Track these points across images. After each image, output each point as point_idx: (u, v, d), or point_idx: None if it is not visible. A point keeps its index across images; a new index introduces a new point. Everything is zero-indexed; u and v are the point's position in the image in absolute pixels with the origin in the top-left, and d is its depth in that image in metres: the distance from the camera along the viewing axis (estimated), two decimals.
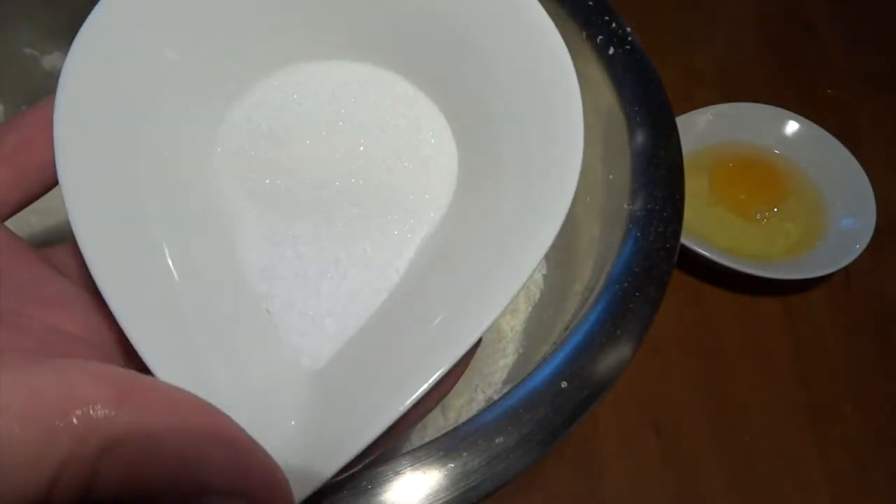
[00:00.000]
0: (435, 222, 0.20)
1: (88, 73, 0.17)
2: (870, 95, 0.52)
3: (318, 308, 0.18)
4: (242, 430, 0.13)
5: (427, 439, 0.20)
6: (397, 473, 0.19)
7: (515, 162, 0.18)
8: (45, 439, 0.11)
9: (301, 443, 0.15)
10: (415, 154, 0.21)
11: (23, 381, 0.11)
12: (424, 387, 0.15)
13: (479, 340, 0.16)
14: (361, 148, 0.21)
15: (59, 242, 0.18)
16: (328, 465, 0.14)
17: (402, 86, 0.21)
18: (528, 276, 0.16)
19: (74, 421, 0.11)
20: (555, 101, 0.18)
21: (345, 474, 0.15)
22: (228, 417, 0.13)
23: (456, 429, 0.20)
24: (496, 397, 0.21)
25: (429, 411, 0.16)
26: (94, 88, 0.17)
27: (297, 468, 0.14)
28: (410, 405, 0.15)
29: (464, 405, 0.31)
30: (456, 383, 0.16)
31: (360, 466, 0.16)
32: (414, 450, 0.19)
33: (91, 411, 0.11)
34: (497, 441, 0.19)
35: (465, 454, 0.19)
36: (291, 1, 0.21)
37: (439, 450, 0.19)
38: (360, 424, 0.15)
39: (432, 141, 0.21)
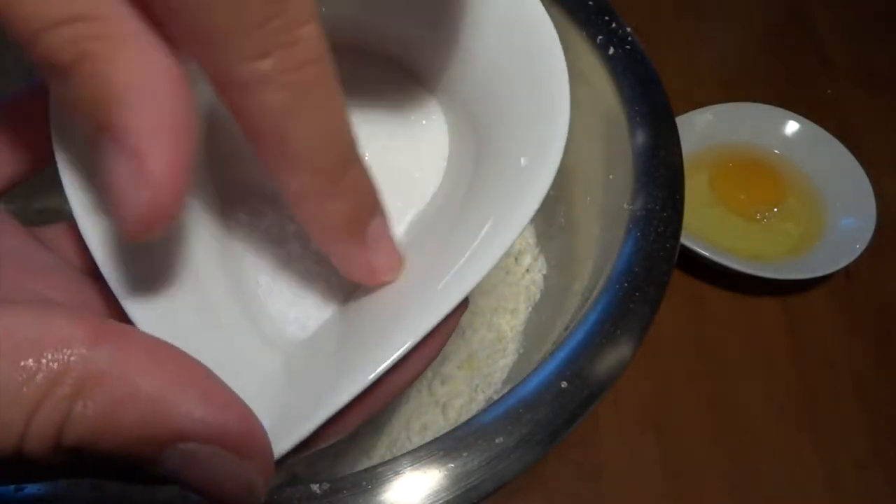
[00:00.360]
0: (425, 201, 0.20)
1: None
2: (870, 95, 0.52)
3: (308, 278, 0.19)
4: (220, 380, 0.13)
5: (427, 439, 0.20)
6: (397, 473, 0.19)
7: (504, 141, 0.19)
8: (20, 378, 0.11)
9: (279, 405, 0.15)
10: (406, 134, 0.21)
11: None
12: (399, 353, 0.15)
13: (466, 305, 0.16)
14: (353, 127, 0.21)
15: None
16: (306, 424, 0.14)
17: (393, 69, 0.21)
18: (508, 248, 0.16)
19: (49, 360, 0.11)
20: (543, 78, 0.18)
21: (329, 441, 0.15)
22: (206, 367, 0.13)
23: (456, 429, 0.20)
24: (496, 397, 0.21)
25: (413, 378, 0.16)
26: None
27: (274, 429, 0.14)
28: (384, 370, 0.15)
29: (464, 405, 0.32)
30: (440, 349, 0.16)
31: (345, 435, 0.16)
32: (414, 450, 0.19)
33: (66, 351, 0.11)
34: (497, 441, 0.19)
35: (465, 454, 0.19)
36: None
37: (439, 450, 0.19)
38: (339, 386, 0.15)
39: (423, 122, 0.21)
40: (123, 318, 0.15)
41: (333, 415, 0.14)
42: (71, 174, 0.16)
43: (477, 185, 0.19)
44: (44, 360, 0.11)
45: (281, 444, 0.14)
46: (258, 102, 0.13)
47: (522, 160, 0.17)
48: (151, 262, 0.16)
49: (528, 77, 0.18)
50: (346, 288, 0.19)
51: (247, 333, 0.17)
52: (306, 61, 0.13)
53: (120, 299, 0.15)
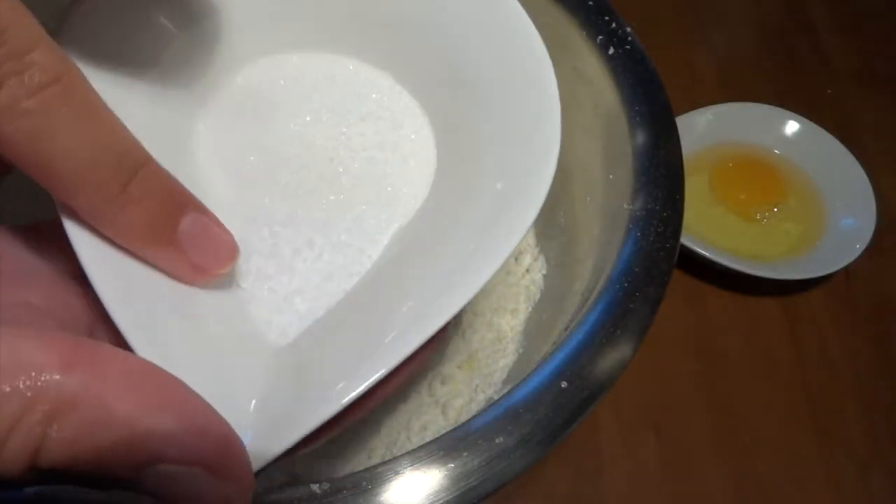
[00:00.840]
0: (410, 214, 0.20)
1: (82, 39, 0.17)
2: (870, 95, 0.52)
3: (290, 286, 0.19)
4: (200, 398, 0.13)
5: (427, 439, 0.20)
6: (397, 473, 0.18)
7: (493, 158, 0.19)
8: None
9: (259, 415, 0.15)
10: (395, 147, 0.21)
11: None
12: (382, 371, 0.15)
13: (446, 326, 0.16)
14: (343, 136, 0.21)
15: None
16: (284, 438, 0.15)
17: (385, 81, 0.22)
18: (495, 271, 0.16)
19: (22, 386, 0.11)
20: (532, 96, 0.18)
21: (307, 448, 0.15)
22: (185, 385, 0.13)
23: (456, 429, 0.20)
24: (496, 397, 0.21)
25: (396, 390, 0.16)
26: (86, 55, 0.17)
27: (254, 440, 0.14)
28: (367, 388, 0.15)
29: (464, 405, 0.31)
30: (425, 363, 0.17)
31: (322, 442, 0.16)
32: (414, 450, 0.19)
33: (39, 376, 0.11)
34: (497, 441, 0.19)
35: (465, 454, 0.19)
36: None
37: (439, 450, 0.19)
38: (317, 402, 0.15)
39: (412, 136, 0.21)
40: (106, 319, 0.15)
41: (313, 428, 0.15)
42: None
43: (463, 206, 0.19)
44: (16, 387, 0.11)
45: (261, 455, 0.14)
46: (5, 134, 0.13)
47: (507, 187, 0.18)
48: (139, 268, 0.16)
49: (519, 101, 0.19)
50: (327, 298, 0.19)
51: (228, 339, 0.17)
52: (43, 84, 0.13)
53: (106, 305, 0.15)
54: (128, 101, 0.18)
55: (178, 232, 0.16)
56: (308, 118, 0.21)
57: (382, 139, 0.21)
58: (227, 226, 0.18)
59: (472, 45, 0.20)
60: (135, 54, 0.19)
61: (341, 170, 0.20)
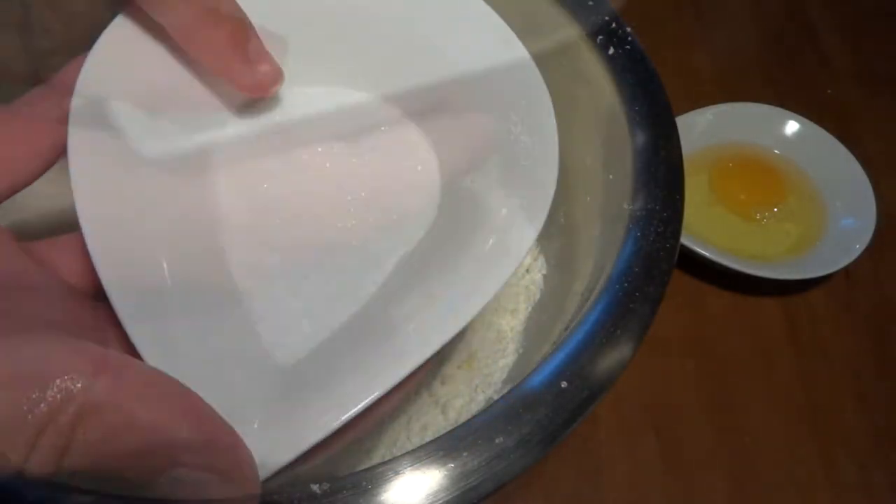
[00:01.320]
0: (414, 243, 0.21)
1: (105, 74, 0.19)
2: (870, 95, 0.52)
3: (297, 308, 0.19)
4: (211, 409, 0.14)
5: (427, 439, 0.20)
6: (397, 473, 0.19)
7: (494, 187, 0.20)
8: (25, 406, 0.11)
9: (262, 432, 0.16)
10: (402, 178, 0.22)
11: (3, 351, 0.12)
12: (378, 392, 0.16)
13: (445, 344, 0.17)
14: (353, 166, 0.22)
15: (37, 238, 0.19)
16: (287, 451, 0.15)
17: (394, 115, 0.23)
18: (490, 298, 0.17)
19: (53, 390, 0.12)
20: (533, 134, 0.20)
21: (306, 464, 0.16)
22: (198, 396, 0.14)
23: (456, 429, 0.20)
24: (496, 397, 0.21)
25: (394, 408, 0.18)
26: (109, 88, 0.19)
27: (258, 452, 0.15)
28: (365, 406, 0.16)
29: (464, 405, 0.32)
30: (421, 378, 0.18)
31: (324, 457, 0.17)
32: (414, 450, 0.19)
33: (68, 381, 0.12)
34: (497, 441, 0.19)
35: (465, 454, 0.19)
36: (302, 29, 0.22)
37: (439, 450, 0.19)
38: (319, 419, 0.16)
39: (419, 168, 0.22)
40: (115, 333, 0.16)
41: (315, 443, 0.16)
42: (82, 191, 0.17)
43: (465, 234, 0.20)
44: (47, 391, 0.11)
45: (262, 469, 0.15)
46: None
47: (508, 213, 0.19)
48: (154, 285, 0.17)
49: (519, 135, 0.20)
50: (332, 320, 0.19)
51: (237, 357, 0.18)
52: None
53: (122, 319, 0.16)
54: (153, 131, 0.19)
55: (248, 50, 0.19)
56: (320, 149, 0.22)
57: (390, 170, 0.22)
58: (241, 249, 0.20)
59: (478, 82, 0.21)
60: (158, 89, 0.20)
61: (350, 198, 0.21)
